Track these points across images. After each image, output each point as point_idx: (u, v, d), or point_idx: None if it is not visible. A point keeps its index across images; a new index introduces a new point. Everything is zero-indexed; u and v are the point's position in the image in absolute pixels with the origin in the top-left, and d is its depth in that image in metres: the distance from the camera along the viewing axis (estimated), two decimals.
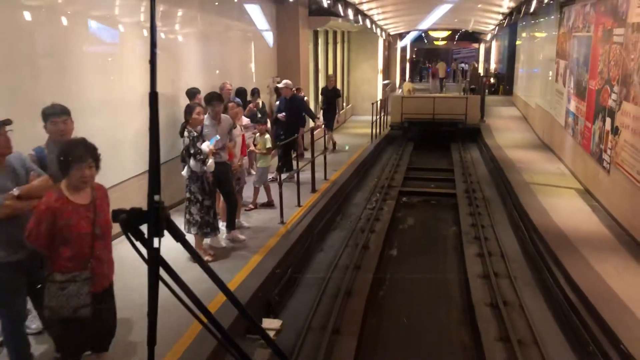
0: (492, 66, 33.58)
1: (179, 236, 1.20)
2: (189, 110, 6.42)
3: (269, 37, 13.53)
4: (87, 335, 3.58)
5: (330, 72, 18.90)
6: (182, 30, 9.41)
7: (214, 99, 6.80)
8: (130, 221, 1.15)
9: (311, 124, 11.88)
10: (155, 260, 1.15)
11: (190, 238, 6.47)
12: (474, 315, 6.07)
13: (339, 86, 20.71)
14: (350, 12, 14.58)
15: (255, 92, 10.97)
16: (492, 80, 28.72)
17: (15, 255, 3.70)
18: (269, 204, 8.65)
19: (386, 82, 25.83)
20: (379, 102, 18.43)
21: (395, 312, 6.61)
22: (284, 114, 10.71)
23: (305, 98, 12.69)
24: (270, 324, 5.27)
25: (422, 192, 12.07)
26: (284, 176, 8.60)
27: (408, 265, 8.22)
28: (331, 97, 14.02)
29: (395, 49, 30.86)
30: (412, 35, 31.31)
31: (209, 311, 1.23)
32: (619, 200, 7.97)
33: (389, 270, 7.87)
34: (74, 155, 3.38)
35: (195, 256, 1.28)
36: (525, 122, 18.97)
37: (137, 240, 1.15)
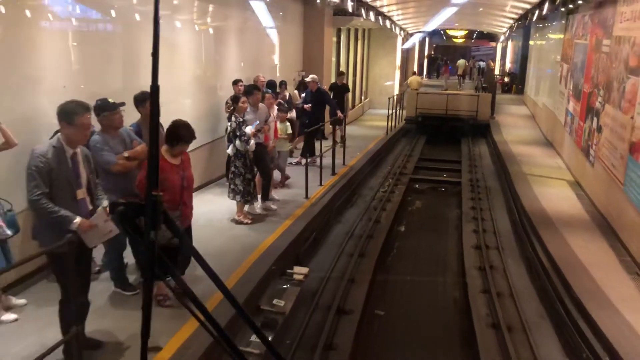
0: (507, 66, 34.57)
1: (175, 231, 1.21)
2: (235, 99, 7.80)
3: (297, 34, 14.89)
4: (174, 260, 4.98)
5: (350, 67, 20.18)
6: (224, 27, 10.79)
7: (254, 89, 8.19)
8: (127, 214, 1.15)
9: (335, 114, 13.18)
10: (151, 254, 1.14)
11: (232, 205, 7.86)
12: (465, 275, 7.39)
13: (358, 80, 22.03)
14: (371, 14, 15.83)
15: (283, 84, 12.29)
16: (506, 79, 29.78)
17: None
18: (283, 184, 9.95)
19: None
20: (395, 97, 19.66)
21: (400, 272, 7.96)
22: (309, 104, 12.02)
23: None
24: (300, 270, 6.64)
25: (431, 180, 13.36)
26: (303, 159, 9.95)
27: (413, 238, 9.56)
28: (339, 94, 14.10)
29: (414, 46, 31.99)
30: (419, 34, 31.98)
31: (204, 306, 1.23)
32: (598, 189, 9.22)
33: (396, 241, 9.22)
34: (183, 135, 4.81)
35: (195, 255, 1.27)
36: (533, 120, 20.10)
37: (133, 233, 1.16)
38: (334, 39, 17.58)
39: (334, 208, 9.58)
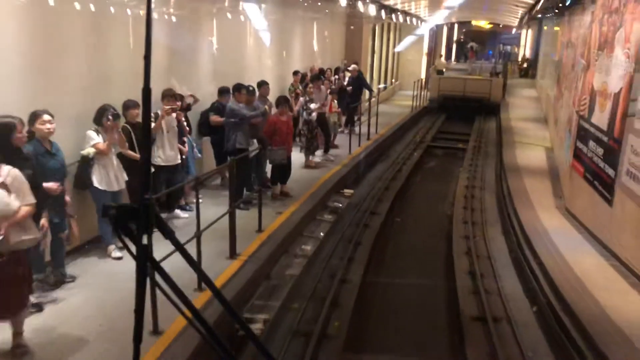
0: (528, 52, 37.61)
1: (167, 233, 1.23)
2: (306, 85, 11.84)
3: (341, 30, 18.78)
4: (282, 174, 9.10)
5: (383, 54, 23.97)
6: (288, 24, 14.75)
7: (318, 78, 12.21)
8: (119, 217, 1.16)
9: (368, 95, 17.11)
10: (143, 257, 1.16)
11: (302, 157, 11.86)
12: (454, 202, 11.31)
13: (390, 66, 25.84)
14: (400, 16, 19.61)
15: (340, 71, 16.23)
16: (524, 65, 32.99)
17: (251, 146, 9.16)
18: (334, 146, 13.94)
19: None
20: (421, 80, 23.37)
21: (413, 200, 11.93)
22: (351, 87, 15.93)
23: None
24: (348, 191, 10.69)
25: (444, 147, 17.21)
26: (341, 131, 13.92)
27: (425, 183, 13.51)
28: (355, 88, 15.42)
29: (442, 32, 35.40)
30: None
31: (195, 307, 1.25)
32: (558, 148, 12.97)
33: (412, 184, 13.17)
34: (282, 101, 8.89)
35: (184, 254, 1.29)
36: (539, 102, 23.57)
37: (125, 236, 1.16)
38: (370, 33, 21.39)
39: (369, 161, 13.58)
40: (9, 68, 5.49)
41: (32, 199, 4.30)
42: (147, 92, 1.15)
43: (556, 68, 16.92)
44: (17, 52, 5.59)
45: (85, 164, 6.18)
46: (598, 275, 6.60)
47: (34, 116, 5.25)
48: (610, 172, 7.46)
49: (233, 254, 6.52)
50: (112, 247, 6.48)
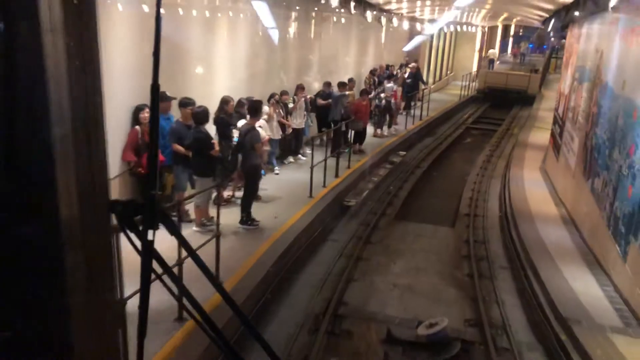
0: None
1: (173, 230, 1.24)
2: (380, 83, 17.28)
3: (403, 33, 23.95)
4: (360, 138, 14.63)
5: (440, 50, 28.88)
6: (365, 31, 20.13)
7: (389, 77, 17.61)
8: (125, 213, 1.18)
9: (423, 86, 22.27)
10: (148, 253, 1.16)
11: (371, 129, 17.30)
12: (475, 166, 16.47)
13: (445, 60, 30.72)
14: (452, 26, 24.53)
15: (403, 66, 21.50)
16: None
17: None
18: (396, 123, 19.26)
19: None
20: (471, 73, 28.14)
21: (447, 164, 17.19)
22: (410, 80, 21.14)
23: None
24: (402, 152, 16.08)
25: (480, 128, 22.21)
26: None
27: (459, 152, 18.70)
28: (413, 81, 23.55)
29: (496, 30, 39.65)
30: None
31: (200, 304, 1.26)
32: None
33: (449, 153, 18.39)
34: (362, 93, 14.41)
35: (189, 251, 1.30)
36: None
37: (131, 231, 1.17)
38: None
39: (419, 136, 18.88)
40: (240, 75, 11.26)
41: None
42: (155, 88, 1.14)
43: None
44: (244, 65, 11.38)
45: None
46: (540, 197, 11.73)
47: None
48: (559, 141, 12.54)
49: (337, 175, 12.07)
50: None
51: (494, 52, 35.37)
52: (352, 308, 7.00)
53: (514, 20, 32.66)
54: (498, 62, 33.37)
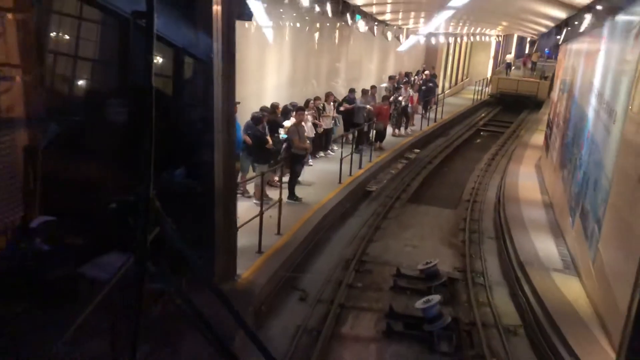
0: None
1: (167, 229, 1.26)
2: (398, 89, 19.84)
3: (422, 42, 26.46)
4: (381, 137, 17.20)
5: (456, 57, 31.27)
6: (385, 42, 22.67)
7: (406, 83, 20.16)
8: (119, 211, 1.21)
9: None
10: (144, 252, 1.18)
11: (390, 129, 19.82)
12: (481, 162, 18.90)
13: (461, 66, 33.09)
14: (466, 37, 26.96)
15: (420, 72, 24.00)
16: None
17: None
18: (412, 124, 21.75)
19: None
20: (485, 79, 30.44)
21: (457, 161, 19.65)
22: (424, 86, 23.58)
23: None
24: (416, 150, 18.57)
25: (489, 130, 24.58)
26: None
27: (468, 151, 21.13)
28: (429, 86, 26.45)
29: (512, 36, 41.80)
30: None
31: (201, 312, 1.31)
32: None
33: (460, 151, 20.82)
34: (384, 98, 17.01)
35: (184, 250, 1.33)
36: None
37: (124, 229, 1.20)
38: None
39: (435, 135, 21.36)
40: (283, 78, 13.97)
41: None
42: (150, 88, 1.14)
43: None
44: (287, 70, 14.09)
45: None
46: (530, 187, 14.15)
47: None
48: (548, 141, 14.97)
49: (360, 166, 14.64)
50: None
51: (511, 56, 37.79)
52: (372, 257, 9.64)
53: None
54: (513, 67, 35.66)
